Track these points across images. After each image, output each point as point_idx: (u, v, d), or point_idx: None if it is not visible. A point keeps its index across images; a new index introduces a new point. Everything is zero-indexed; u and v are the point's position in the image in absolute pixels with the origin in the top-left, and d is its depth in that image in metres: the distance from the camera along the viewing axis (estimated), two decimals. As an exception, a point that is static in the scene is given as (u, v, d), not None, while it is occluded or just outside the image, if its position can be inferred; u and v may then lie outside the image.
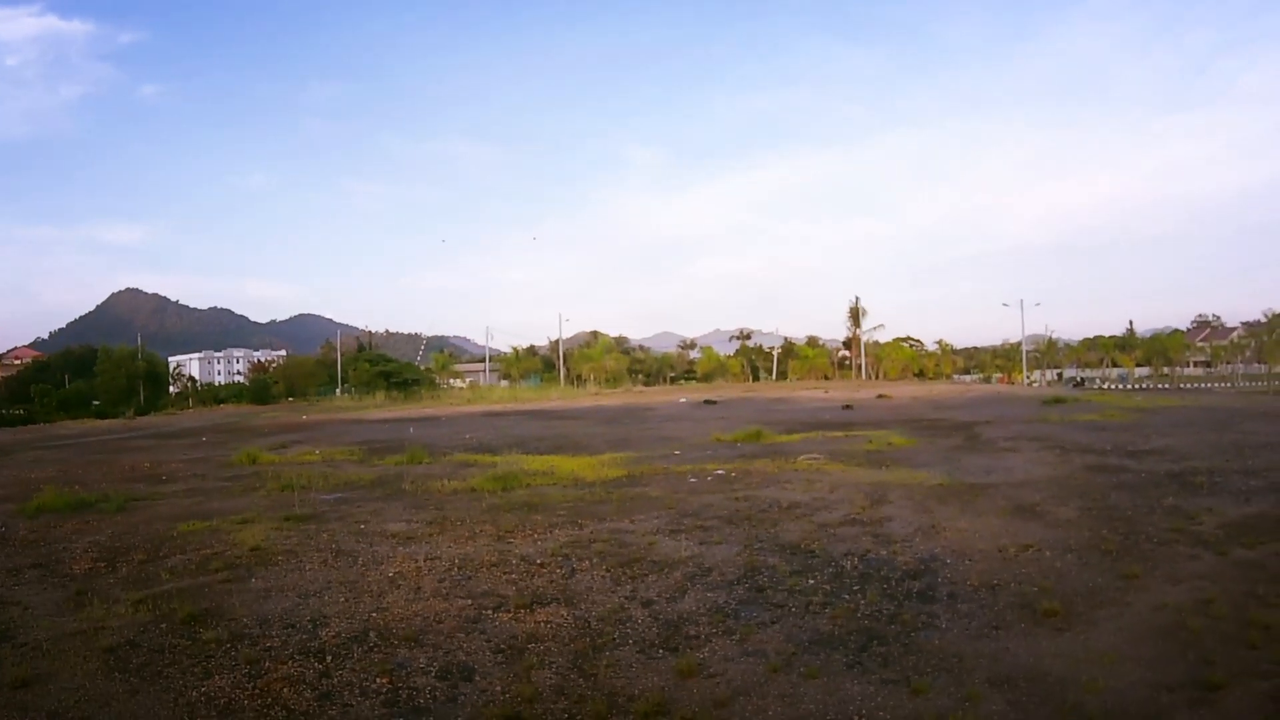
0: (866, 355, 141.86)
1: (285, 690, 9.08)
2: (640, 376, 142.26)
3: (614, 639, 10.17)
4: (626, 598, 11.83)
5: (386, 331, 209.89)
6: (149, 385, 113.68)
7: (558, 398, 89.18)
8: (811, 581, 12.32)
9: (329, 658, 9.96)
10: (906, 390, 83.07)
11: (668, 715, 8.02)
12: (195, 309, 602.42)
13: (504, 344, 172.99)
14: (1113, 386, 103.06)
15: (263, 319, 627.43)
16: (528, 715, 8.16)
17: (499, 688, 8.88)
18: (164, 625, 11.60)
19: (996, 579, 12.17)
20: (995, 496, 18.78)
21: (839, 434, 35.14)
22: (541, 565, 13.76)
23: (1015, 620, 10.42)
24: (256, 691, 9.11)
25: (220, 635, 10.98)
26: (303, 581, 13.47)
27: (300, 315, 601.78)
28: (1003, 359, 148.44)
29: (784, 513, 17.57)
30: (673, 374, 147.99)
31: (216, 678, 9.56)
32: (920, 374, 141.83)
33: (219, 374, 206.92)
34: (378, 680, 9.22)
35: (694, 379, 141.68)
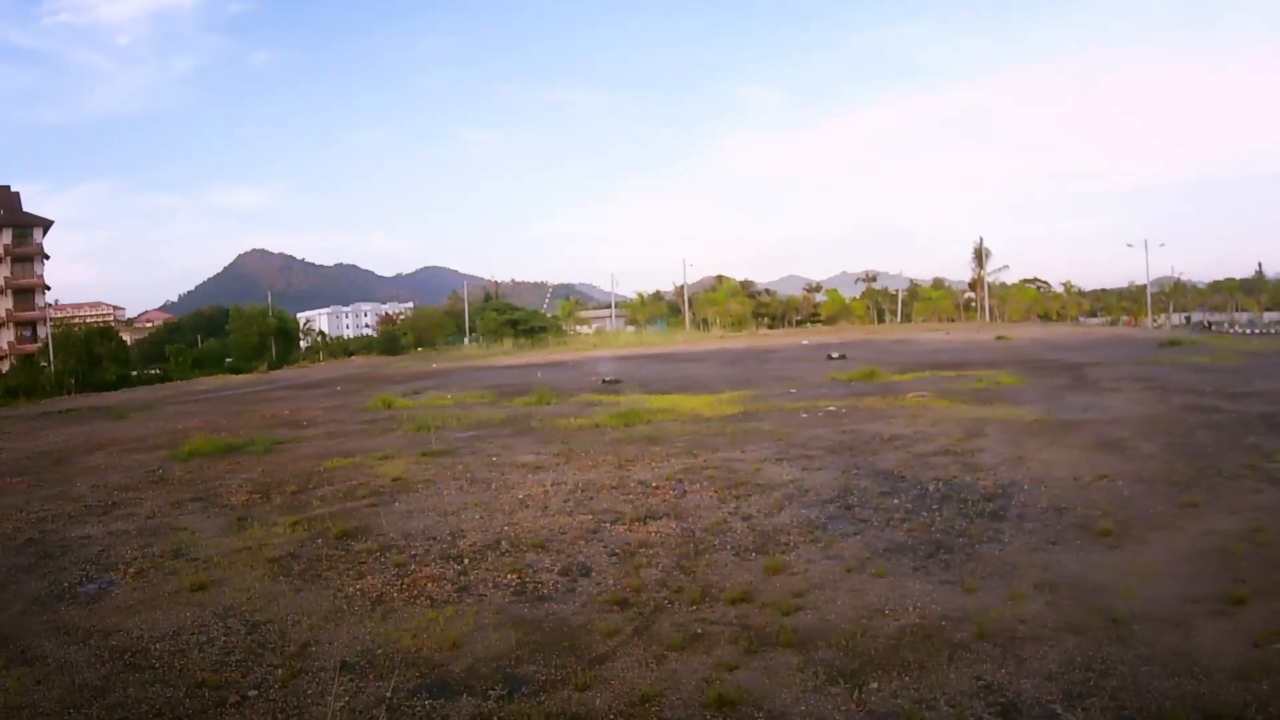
0: (991, 297, 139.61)
1: (429, 585, 10.74)
2: (765, 320, 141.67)
3: (714, 545, 11.52)
4: (730, 513, 13.10)
5: (512, 281, 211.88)
6: (280, 340, 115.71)
7: (683, 341, 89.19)
8: (896, 501, 13.37)
9: (466, 561, 11.61)
10: (1028, 332, 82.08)
11: (752, 602, 9.33)
12: (321, 266, 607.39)
13: (629, 290, 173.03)
14: (1243, 330, 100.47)
15: (388, 273, 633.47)
16: (634, 600, 9.63)
17: (611, 581, 10.38)
18: (319, 541, 13.27)
19: (1065, 503, 12.92)
20: (1086, 432, 19.31)
21: (951, 373, 35.47)
22: (656, 488, 15.08)
23: (1073, 538, 11.25)
24: (404, 587, 10.77)
25: (370, 547, 12.63)
26: (441, 504, 15.03)
27: (426, 268, 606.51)
28: (1129, 301, 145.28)
29: (884, 444, 18.49)
30: (798, 317, 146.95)
31: (369, 578, 11.23)
32: (1045, 316, 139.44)
33: (347, 328, 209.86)
34: (508, 577, 10.81)
35: (819, 322, 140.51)
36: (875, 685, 7.30)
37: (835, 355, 48.63)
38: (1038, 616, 8.63)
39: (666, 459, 17.84)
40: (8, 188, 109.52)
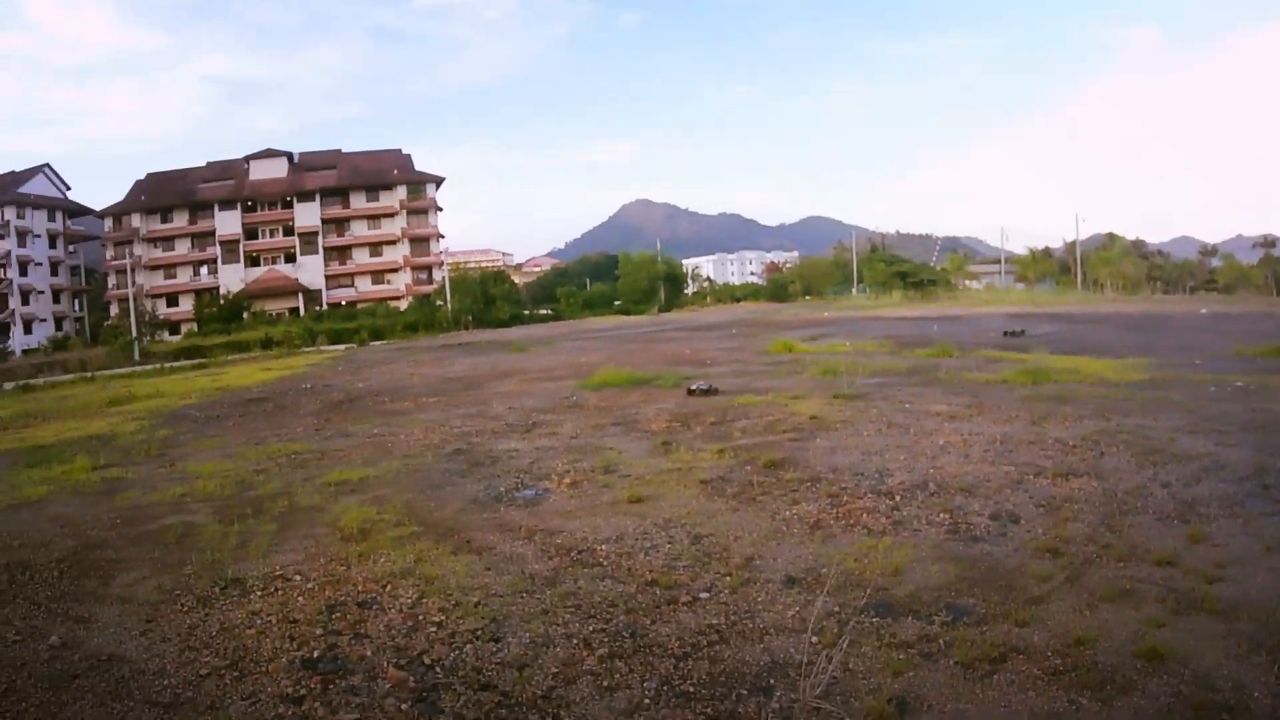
0: None
1: (864, 516, 11.49)
2: (1158, 284, 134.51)
3: (1136, 508, 11.59)
4: (1148, 479, 13.00)
5: (896, 232, 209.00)
6: (668, 285, 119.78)
7: (1075, 302, 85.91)
8: (1313, 487, 12.75)
9: (897, 498, 12.26)
10: None
11: (1176, 566, 9.43)
12: (704, 215, 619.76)
13: (1019, 245, 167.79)
14: None
15: (772, 222, 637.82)
16: (1064, 550, 9.97)
17: (1040, 530, 10.75)
18: (748, 468, 14.27)
19: None
20: None
21: (1369, 355, 33.23)
22: (1073, 447, 15.10)
23: None
24: (839, 515, 11.58)
25: (799, 477, 13.53)
26: (862, 444, 15.72)
27: (809, 218, 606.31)
28: None
29: (1298, 426, 17.39)
30: (1192, 283, 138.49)
31: (804, 505, 12.13)
32: None
33: (732, 274, 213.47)
34: (940, 515, 11.42)
35: (1215, 289, 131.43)
36: (1293, 662, 7.39)
37: (1016, 331, 45.86)
38: None
39: (1079, 419, 17.69)
40: (399, 150, 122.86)
